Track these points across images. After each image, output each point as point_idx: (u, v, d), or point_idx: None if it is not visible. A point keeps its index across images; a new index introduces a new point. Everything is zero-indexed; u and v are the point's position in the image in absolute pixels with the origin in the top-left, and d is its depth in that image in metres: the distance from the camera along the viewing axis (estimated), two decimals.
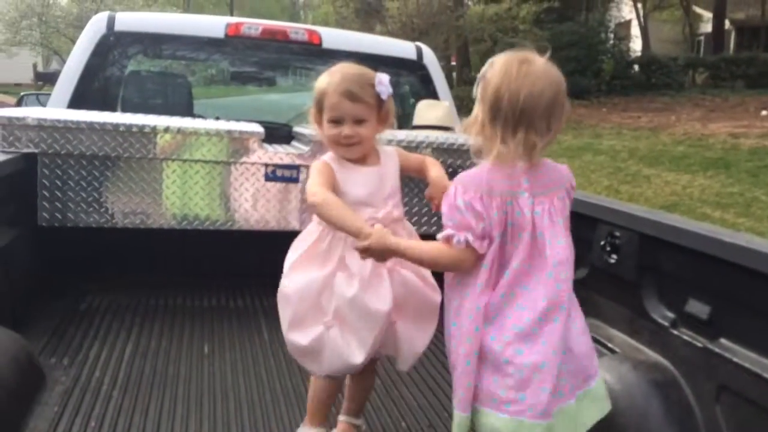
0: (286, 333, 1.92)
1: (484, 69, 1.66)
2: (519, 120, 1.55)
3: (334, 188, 1.85)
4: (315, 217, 1.94)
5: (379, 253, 1.69)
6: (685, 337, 2.01)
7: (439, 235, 1.63)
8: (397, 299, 1.86)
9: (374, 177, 1.92)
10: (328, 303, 1.87)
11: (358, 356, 1.86)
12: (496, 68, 1.61)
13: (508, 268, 1.59)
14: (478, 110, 1.64)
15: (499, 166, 1.59)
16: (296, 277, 1.89)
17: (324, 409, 2.05)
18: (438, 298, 1.90)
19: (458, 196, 1.59)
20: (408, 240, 1.80)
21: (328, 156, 1.93)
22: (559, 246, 1.61)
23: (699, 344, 1.95)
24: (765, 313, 1.75)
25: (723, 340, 1.87)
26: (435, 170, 2.01)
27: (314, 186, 1.82)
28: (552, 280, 1.59)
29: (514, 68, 1.57)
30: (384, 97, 1.88)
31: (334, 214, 1.75)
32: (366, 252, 1.68)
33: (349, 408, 2.13)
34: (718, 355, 1.86)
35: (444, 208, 1.63)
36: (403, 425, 2.24)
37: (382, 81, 1.88)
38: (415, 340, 1.95)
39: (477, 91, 1.65)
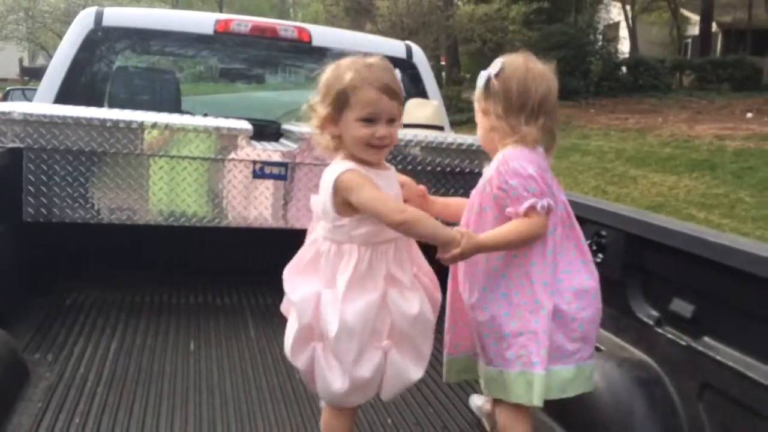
0: (351, 370, 1.69)
1: (494, 69, 1.83)
2: (540, 109, 1.80)
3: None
4: (337, 237, 1.72)
5: (467, 255, 1.71)
6: (670, 336, 2.03)
7: (521, 207, 1.72)
8: None
9: (393, 181, 1.79)
10: (382, 325, 1.71)
11: (417, 372, 1.78)
12: (517, 65, 1.82)
13: (552, 237, 1.79)
14: (488, 105, 1.84)
15: (531, 150, 1.80)
16: (353, 305, 1.67)
17: None
18: (439, 296, 1.88)
19: (527, 168, 1.74)
20: (485, 233, 1.76)
21: (348, 164, 1.69)
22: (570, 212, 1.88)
23: (683, 342, 1.97)
24: (748, 312, 1.77)
25: (706, 339, 1.90)
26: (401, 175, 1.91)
27: (389, 200, 1.66)
28: (581, 245, 1.87)
29: (532, 66, 1.82)
30: (402, 93, 1.75)
31: (430, 226, 1.65)
32: (457, 258, 1.70)
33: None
34: (701, 353, 1.88)
35: (514, 182, 1.74)
36: (389, 422, 2.24)
37: (400, 77, 1.76)
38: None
39: (484, 91, 1.85)
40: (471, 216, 1.87)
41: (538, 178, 1.73)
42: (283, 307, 1.89)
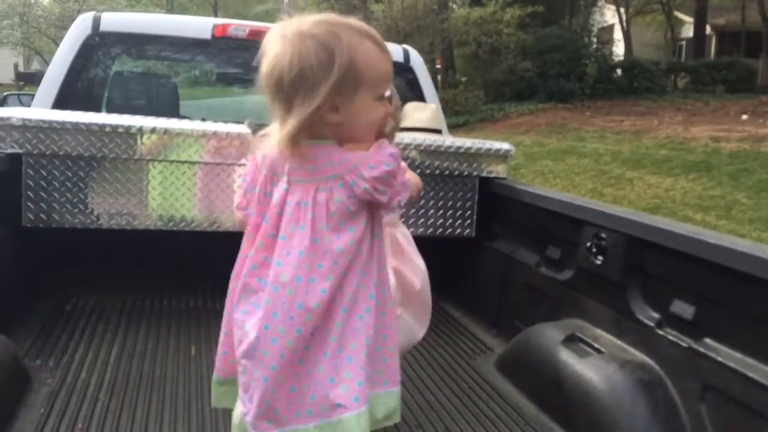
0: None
1: None
2: (270, 93, 1.37)
3: None
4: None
5: None
6: (671, 338, 2.04)
7: None
8: None
9: None
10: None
11: (420, 331, 2.14)
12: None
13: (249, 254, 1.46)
14: None
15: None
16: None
17: None
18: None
19: (250, 160, 1.53)
20: None
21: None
22: (293, 244, 1.38)
23: (684, 344, 1.97)
24: (748, 313, 1.78)
25: (707, 340, 1.90)
26: None
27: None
28: (271, 281, 1.39)
29: (276, 31, 1.38)
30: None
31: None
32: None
33: None
34: (702, 354, 1.89)
35: None
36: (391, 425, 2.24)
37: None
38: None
39: None
40: None
41: (246, 174, 1.54)
42: None
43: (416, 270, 2.09)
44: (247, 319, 1.42)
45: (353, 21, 1.37)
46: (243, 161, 3.03)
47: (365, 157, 1.37)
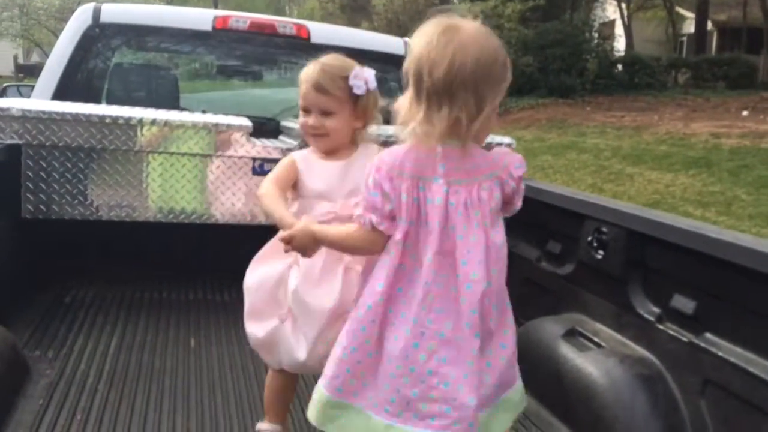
0: (245, 323, 1.95)
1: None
2: (441, 95, 1.39)
3: (296, 182, 1.87)
4: None
5: (305, 243, 1.60)
6: (671, 332, 2.04)
7: (354, 213, 1.57)
8: (352, 297, 1.67)
9: (336, 171, 1.86)
10: (284, 297, 1.86)
11: (301, 352, 1.82)
12: (418, 37, 1.45)
13: (423, 260, 1.45)
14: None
15: (417, 147, 1.45)
16: (257, 269, 1.92)
17: (279, 404, 1.99)
18: None
19: (371, 174, 1.48)
20: (326, 226, 1.67)
21: (301, 151, 1.96)
22: (472, 242, 1.44)
23: (684, 339, 1.97)
24: (749, 308, 1.78)
25: (708, 335, 1.90)
26: None
27: (267, 180, 1.86)
28: (462, 280, 1.44)
29: (435, 37, 1.42)
30: (357, 91, 1.81)
31: (267, 203, 1.80)
32: (290, 242, 1.60)
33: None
34: (703, 349, 1.88)
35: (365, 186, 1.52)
36: None
37: (358, 75, 1.81)
38: None
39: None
40: None
41: (373, 188, 1.47)
42: None
43: (321, 276, 1.88)
44: (437, 327, 1.44)
45: None
46: (244, 153, 3.02)
47: (509, 156, 1.51)
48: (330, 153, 1.90)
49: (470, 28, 1.45)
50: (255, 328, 1.92)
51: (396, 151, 1.48)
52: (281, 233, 1.65)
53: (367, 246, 1.53)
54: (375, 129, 1.99)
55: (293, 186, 1.89)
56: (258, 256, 1.94)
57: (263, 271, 1.90)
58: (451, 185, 1.43)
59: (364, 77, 1.84)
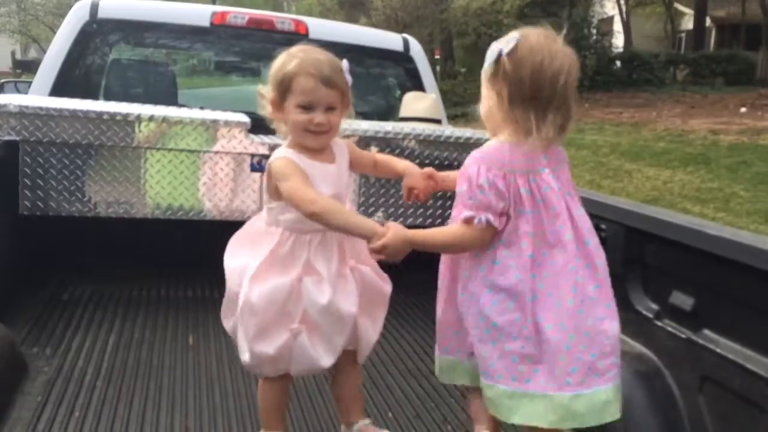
0: (251, 343, 1.78)
1: (506, 47, 1.59)
2: (554, 100, 1.58)
3: None
4: (268, 218, 1.83)
5: (398, 250, 1.61)
6: (669, 329, 2.04)
7: (461, 216, 1.62)
8: (362, 295, 1.83)
9: (335, 174, 1.83)
10: (295, 309, 1.78)
11: (327, 360, 1.81)
12: (531, 45, 1.58)
13: (561, 240, 1.62)
14: (498, 89, 1.61)
15: (519, 145, 1.59)
16: (260, 285, 1.76)
17: (280, 411, 1.93)
18: (388, 288, 1.92)
19: (481, 175, 1.58)
20: (421, 230, 1.69)
21: (286, 151, 1.78)
22: (583, 216, 1.68)
23: (683, 335, 1.97)
24: (748, 304, 1.77)
25: (706, 331, 1.90)
26: (400, 162, 1.98)
27: (306, 191, 1.70)
28: (583, 248, 1.64)
29: (551, 46, 1.59)
30: (349, 84, 1.82)
31: (341, 219, 1.68)
32: (382, 251, 1.61)
33: (353, 414, 1.98)
34: (701, 346, 1.88)
35: (463, 187, 1.62)
36: (390, 415, 2.24)
37: (346, 68, 1.81)
38: (370, 331, 1.90)
39: (493, 69, 1.62)
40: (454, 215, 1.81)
41: (488, 188, 1.58)
42: None
43: (337, 281, 1.84)
44: (588, 292, 1.63)
45: None
46: (242, 149, 3.01)
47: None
48: (317, 153, 1.80)
49: (557, 38, 1.62)
50: (265, 347, 1.78)
51: (498, 151, 1.62)
52: (376, 244, 1.60)
53: (478, 244, 1.62)
54: (348, 124, 1.98)
55: (276, 188, 1.75)
56: (254, 275, 1.77)
57: (270, 287, 1.76)
58: (554, 172, 1.64)
59: (348, 69, 1.82)
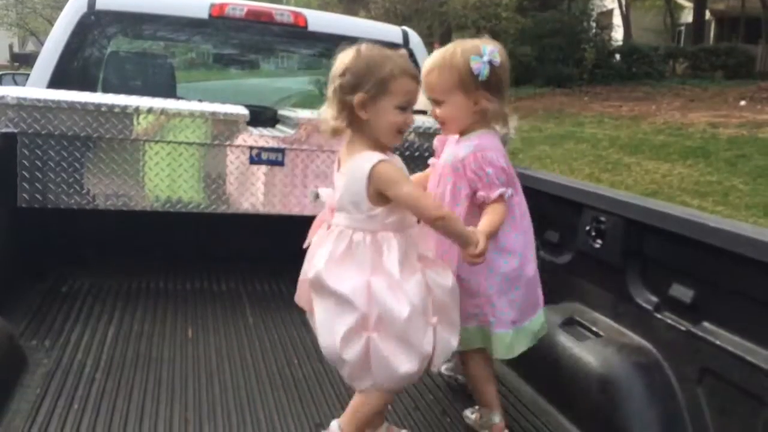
0: (421, 349, 1.77)
1: (496, 58, 1.94)
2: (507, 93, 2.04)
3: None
4: (371, 225, 1.78)
5: (485, 252, 1.84)
6: (669, 321, 2.04)
7: (493, 194, 1.92)
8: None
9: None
10: (429, 303, 1.81)
11: (456, 339, 1.91)
12: (501, 51, 1.99)
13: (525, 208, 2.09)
14: (481, 93, 1.95)
15: (497, 133, 2.06)
16: (411, 287, 1.76)
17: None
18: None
19: (500, 159, 1.97)
20: (483, 224, 1.90)
21: (376, 155, 1.76)
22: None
23: (682, 328, 1.97)
24: (747, 296, 1.77)
25: (706, 324, 1.90)
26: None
27: (427, 196, 1.99)
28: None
29: (499, 47, 2.01)
30: None
31: (460, 225, 1.83)
32: (479, 257, 1.81)
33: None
34: (700, 338, 1.88)
35: (490, 171, 1.93)
36: (389, 407, 2.24)
37: None
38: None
39: (485, 78, 1.93)
40: (445, 193, 2.02)
41: (508, 169, 1.98)
42: (299, 299, 1.95)
43: (443, 263, 1.96)
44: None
45: None
46: (242, 142, 3.01)
47: None
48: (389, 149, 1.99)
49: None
50: (428, 347, 1.80)
51: (495, 140, 2.03)
52: (476, 251, 1.80)
53: (507, 213, 1.98)
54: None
55: (380, 193, 1.75)
56: (401, 280, 1.74)
57: (415, 287, 1.76)
58: None
59: None
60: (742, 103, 15.60)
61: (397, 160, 1.87)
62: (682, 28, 27.39)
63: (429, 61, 2.02)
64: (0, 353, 2.10)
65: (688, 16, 26.43)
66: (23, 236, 3.00)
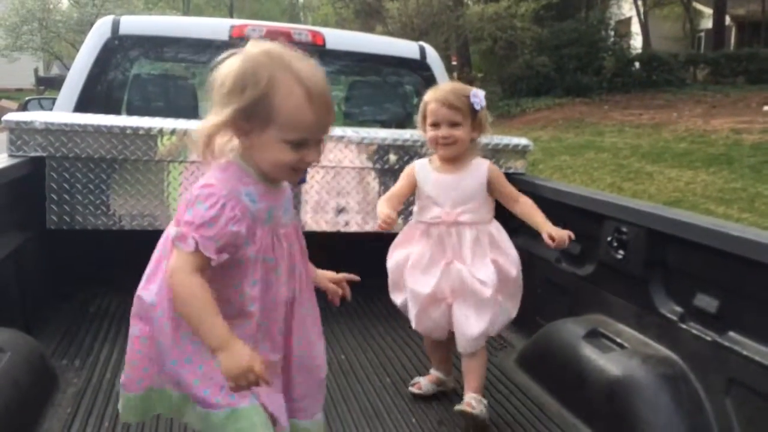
0: (415, 320, 2.36)
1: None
2: None
3: (414, 186, 2.36)
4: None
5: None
6: (694, 331, 2.02)
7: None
8: (452, 288, 2.28)
9: (449, 182, 2.32)
10: (446, 287, 2.31)
11: (476, 327, 2.27)
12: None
13: None
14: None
15: None
16: (393, 253, 2.39)
17: (435, 356, 2.51)
18: (486, 293, 2.24)
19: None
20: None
21: (422, 160, 2.43)
22: None
23: (708, 338, 1.96)
24: None
25: (732, 334, 1.89)
26: (540, 218, 2.30)
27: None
28: None
29: None
30: (477, 107, 2.26)
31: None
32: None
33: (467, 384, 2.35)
34: (727, 348, 1.87)
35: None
36: (413, 421, 2.25)
37: (477, 94, 2.27)
38: (467, 325, 2.27)
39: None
40: None
41: None
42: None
43: (511, 259, 2.34)
44: None
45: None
46: None
47: None
48: (446, 166, 2.35)
49: None
50: (395, 297, 2.42)
51: None
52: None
53: None
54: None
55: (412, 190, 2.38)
56: (394, 243, 2.40)
57: (397, 255, 2.38)
58: None
59: (480, 96, 2.29)
60: (766, 108, 15.39)
61: (432, 173, 2.41)
62: (702, 34, 27.16)
63: None
64: (32, 373, 2.14)
65: (707, 23, 26.20)
66: (52, 258, 3.06)
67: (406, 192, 2.38)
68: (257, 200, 1.40)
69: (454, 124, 2.26)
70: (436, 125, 2.28)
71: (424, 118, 2.33)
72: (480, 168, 2.35)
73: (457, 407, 2.21)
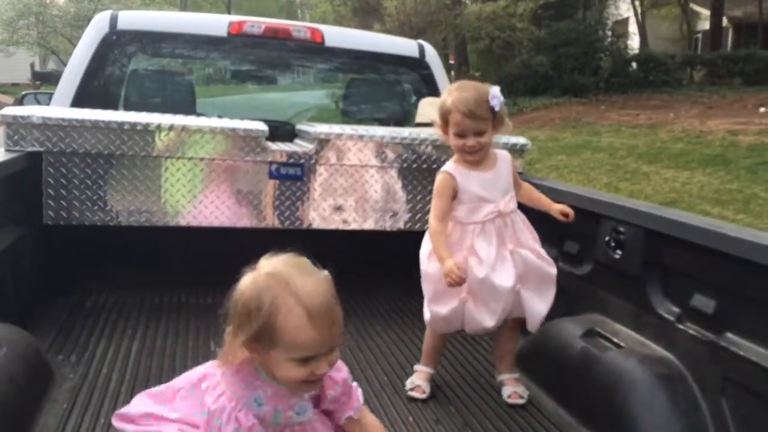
0: (428, 305, 2.38)
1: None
2: None
3: (457, 192, 2.33)
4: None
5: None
6: (691, 332, 2.03)
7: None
8: (520, 274, 2.30)
9: (490, 178, 2.36)
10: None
11: (489, 321, 2.31)
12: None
13: None
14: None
15: None
16: (435, 262, 2.30)
17: (435, 354, 2.52)
18: (552, 269, 2.37)
19: None
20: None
21: (449, 164, 2.38)
22: None
23: (704, 338, 1.96)
24: None
25: (729, 334, 1.89)
26: (544, 197, 2.55)
27: (431, 217, 2.34)
28: None
29: None
30: (497, 108, 2.28)
31: (434, 243, 2.29)
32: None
33: (502, 367, 2.50)
34: (723, 348, 1.87)
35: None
36: (410, 420, 2.25)
37: (495, 95, 2.28)
38: (539, 305, 2.35)
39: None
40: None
41: None
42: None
43: (535, 236, 2.42)
44: None
45: None
46: (261, 157, 3.04)
47: None
48: (477, 163, 2.36)
49: None
50: (439, 308, 2.36)
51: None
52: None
53: None
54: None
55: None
56: (430, 252, 2.33)
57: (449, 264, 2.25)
58: None
59: (498, 95, 2.29)
60: (762, 110, 15.43)
61: (471, 174, 2.38)
62: (699, 35, 27.20)
63: None
64: (28, 368, 2.13)
65: (704, 24, 26.25)
66: (48, 253, 3.05)
67: (450, 208, 2.35)
68: (264, 403, 1.47)
69: (479, 133, 2.29)
70: (462, 135, 2.30)
71: (446, 123, 2.33)
72: (506, 158, 2.44)
73: (510, 400, 2.39)
